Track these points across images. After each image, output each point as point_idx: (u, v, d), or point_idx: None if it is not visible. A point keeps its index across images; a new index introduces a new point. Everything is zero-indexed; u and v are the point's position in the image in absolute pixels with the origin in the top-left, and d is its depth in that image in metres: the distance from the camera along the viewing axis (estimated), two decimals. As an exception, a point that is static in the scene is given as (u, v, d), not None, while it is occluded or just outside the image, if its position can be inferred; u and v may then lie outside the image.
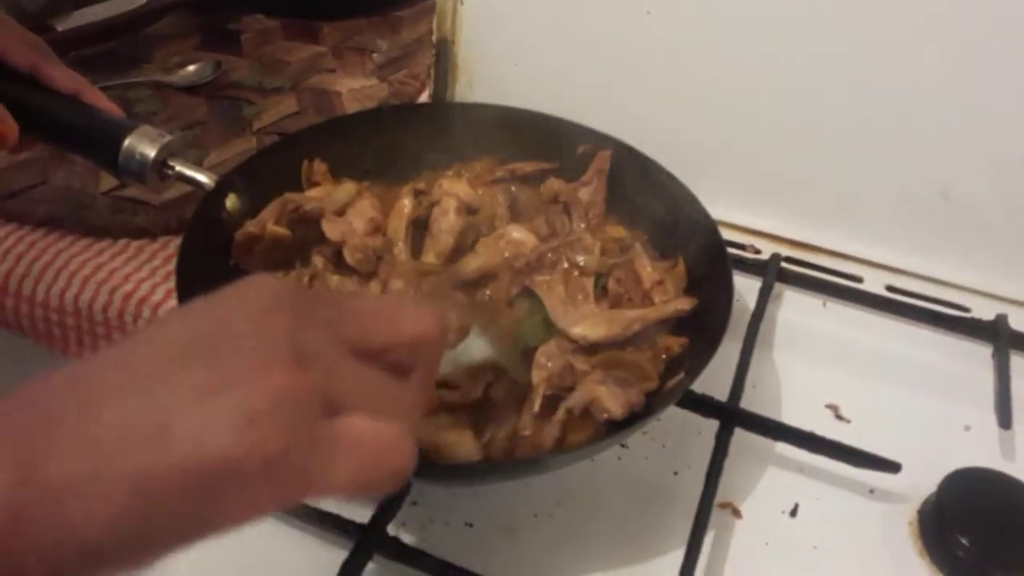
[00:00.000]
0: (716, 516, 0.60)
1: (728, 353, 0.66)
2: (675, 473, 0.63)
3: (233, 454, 0.29)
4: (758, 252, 0.79)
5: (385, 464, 0.33)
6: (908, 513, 0.60)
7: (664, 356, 0.59)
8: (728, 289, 0.59)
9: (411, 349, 0.37)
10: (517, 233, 0.64)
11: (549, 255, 0.61)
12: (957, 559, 0.56)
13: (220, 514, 0.31)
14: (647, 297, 0.61)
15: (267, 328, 0.32)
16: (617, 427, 0.54)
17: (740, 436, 0.62)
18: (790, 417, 0.66)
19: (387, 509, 0.53)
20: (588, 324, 0.58)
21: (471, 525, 0.58)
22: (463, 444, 0.52)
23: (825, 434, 0.63)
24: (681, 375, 0.56)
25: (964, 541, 0.55)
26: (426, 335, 0.37)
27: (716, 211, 0.76)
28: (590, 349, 0.58)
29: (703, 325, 0.59)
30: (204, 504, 0.30)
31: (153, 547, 0.30)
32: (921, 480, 0.61)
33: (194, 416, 0.30)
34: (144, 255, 0.76)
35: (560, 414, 0.53)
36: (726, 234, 0.79)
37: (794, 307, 0.75)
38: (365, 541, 0.51)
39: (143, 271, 0.74)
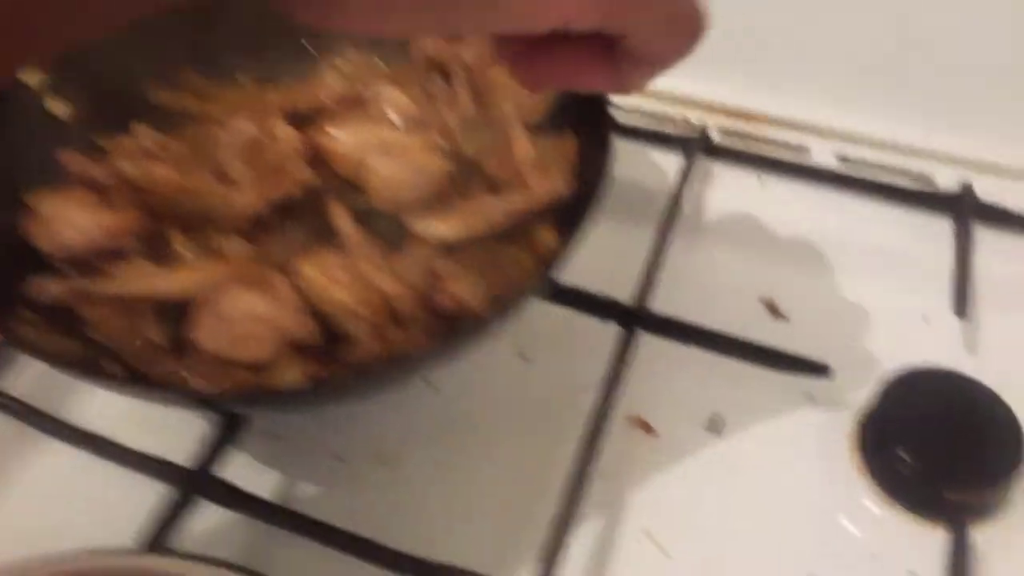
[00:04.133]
0: (625, 434, 0.52)
1: (644, 247, 0.57)
2: (583, 388, 0.54)
3: None
4: (690, 125, 0.68)
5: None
6: (848, 423, 0.52)
7: (540, 252, 0.49)
8: (602, 157, 0.48)
9: None
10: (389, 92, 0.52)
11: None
12: (899, 476, 0.48)
13: None
14: (522, 181, 0.50)
15: None
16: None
17: (657, 342, 0.54)
18: (718, 315, 0.57)
19: (216, 448, 0.44)
20: (442, 221, 0.47)
21: (341, 459, 0.50)
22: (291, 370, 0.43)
23: (759, 333, 0.55)
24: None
25: (905, 456, 0.47)
26: None
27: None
28: (455, 248, 0.48)
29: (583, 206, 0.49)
30: None
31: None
32: (868, 383, 0.52)
33: None
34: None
35: (415, 320, 0.45)
36: (652, 106, 0.69)
37: (726, 187, 0.64)
38: (190, 485, 0.43)
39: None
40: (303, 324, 0.42)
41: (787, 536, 0.48)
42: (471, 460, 0.51)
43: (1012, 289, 0.58)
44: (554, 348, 0.56)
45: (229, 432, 0.45)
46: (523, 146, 0.51)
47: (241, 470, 0.48)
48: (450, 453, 0.51)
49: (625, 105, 0.68)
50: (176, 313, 0.43)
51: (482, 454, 0.51)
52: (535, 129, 0.52)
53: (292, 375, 0.41)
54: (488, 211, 0.47)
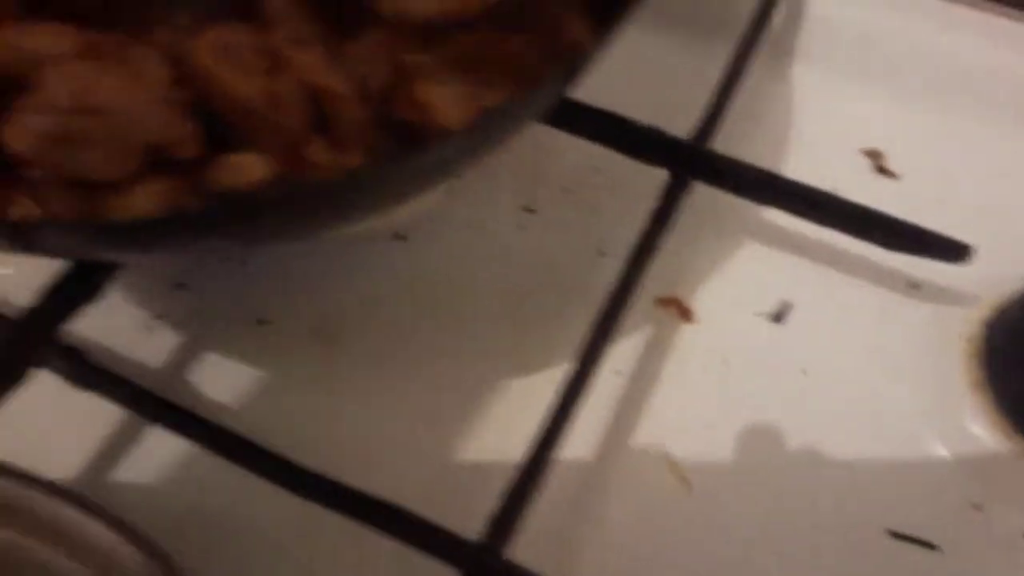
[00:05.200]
0: (656, 319, 0.39)
1: (709, 65, 0.42)
2: (600, 253, 0.40)
3: None
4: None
5: None
6: (968, 323, 0.37)
7: (564, 46, 0.34)
8: None
9: None
10: None
11: None
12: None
13: None
14: None
15: None
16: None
17: (708, 196, 0.39)
18: (804, 166, 0.42)
19: (58, 297, 0.31)
20: None
21: (266, 322, 0.38)
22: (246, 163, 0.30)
23: (856, 194, 0.40)
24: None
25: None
26: None
27: None
28: (434, 37, 0.32)
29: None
30: None
31: None
32: (1000, 273, 0.37)
33: None
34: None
35: (355, 136, 0.30)
36: None
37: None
38: (17, 344, 0.31)
39: None
40: (174, 124, 0.29)
41: (860, 472, 0.35)
42: (442, 343, 0.38)
43: None
44: (569, 196, 0.42)
45: (87, 271, 0.33)
46: None
47: (125, 333, 0.36)
48: (416, 331, 0.38)
49: None
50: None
51: (458, 335, 0.38)
52: None
53: (144, 200, 0.28)
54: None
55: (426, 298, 0.39)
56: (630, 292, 0.35)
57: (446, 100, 0.31)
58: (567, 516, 0.34)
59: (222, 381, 0.37)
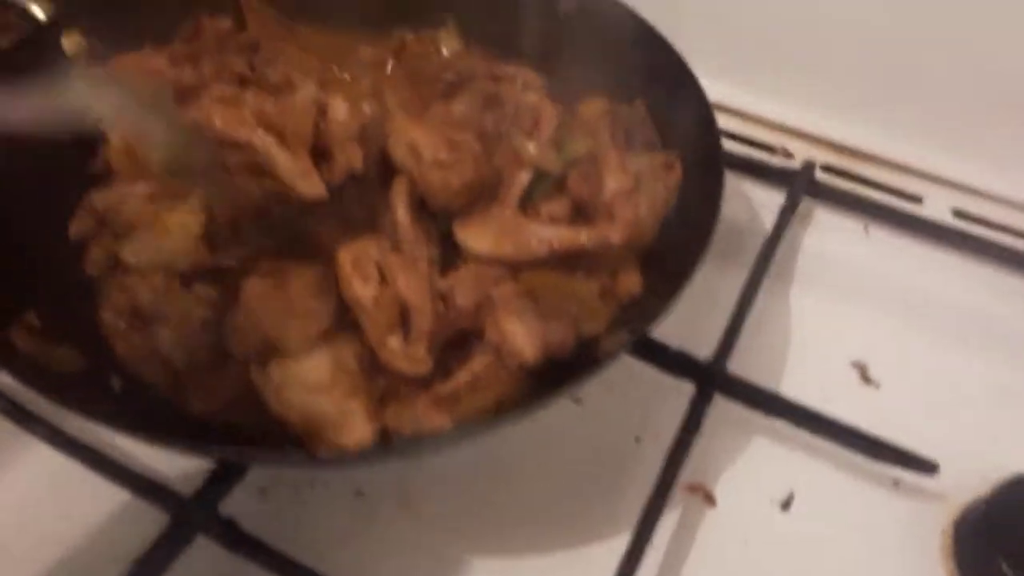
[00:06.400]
0: (683, 502, 0.46)
1: (728, 292, 0.51)
2: (637, 440, 0.49)
3: None
4: (790, 156, 0.62)
5: None
6: (942, 519, 0.45)
7: (620, 297, 0.44)
8: (712, 201, 0.42)
9: None
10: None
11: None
12: (998, 593, 0.41)
13: None
14: (608, 211, 0.44)
15: None
16: (542, 385, 0.40)
17: (726, 403, 0.48)
18: (802, 375, 0.51)
19: (218, 479, 0.39)
20: (477, 231, 0.42)
21: (361, 494, 0.46)
22: (352, 422, 0.39)
23: (844, 399, 0.48)
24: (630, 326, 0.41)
25: (1008, 571, 0.40)
26: None
27: (740, 101, 0.60)
28: (514, 274, 0.42)
29: (677, 251, 0.43)
30: None
31: None
32: (968, 477, 0.45)
33: None
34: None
35: (462, 375, 0.39)
36: (751, 131, 0.63)
37: (827, 232, 0.58)
38: (187, 518, 0.38)
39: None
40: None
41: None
42: (504, 513, 0.46)
43: None
44: (610, 394, 0.51)
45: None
46: (613, 170, 0.45)
47: (250, 501, 0.43)
48: (480, 497, 0.46)
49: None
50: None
51: (515, 501, 0.46)
52: (638, 146, 0.46)
53: (360, 431, 0.37)
54: (526, 236, 0.42)
55: (490, 475, 0.47)
56: (669, 484, 0.43)
57: (520, 330, 0.41)
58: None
59: (325, 540, 0.43)
